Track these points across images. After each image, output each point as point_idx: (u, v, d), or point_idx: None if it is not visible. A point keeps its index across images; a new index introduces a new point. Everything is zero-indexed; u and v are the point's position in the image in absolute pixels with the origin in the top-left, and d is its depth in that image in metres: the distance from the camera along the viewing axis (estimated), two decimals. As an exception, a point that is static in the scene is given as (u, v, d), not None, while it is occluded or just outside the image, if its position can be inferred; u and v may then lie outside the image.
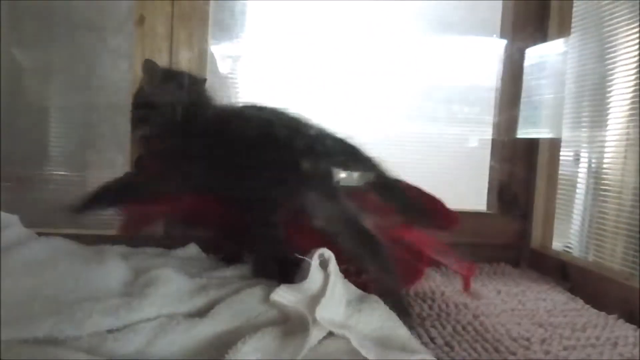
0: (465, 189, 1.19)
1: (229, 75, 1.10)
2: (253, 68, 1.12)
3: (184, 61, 1.03)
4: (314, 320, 0.50)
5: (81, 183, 1.07)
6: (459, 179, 1.19)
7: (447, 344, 0.65)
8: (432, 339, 0.66)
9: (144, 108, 0.74)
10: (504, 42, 1.13)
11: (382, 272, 0.68)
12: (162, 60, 1.02)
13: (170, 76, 0.77)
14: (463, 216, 1.12)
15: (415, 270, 0.85)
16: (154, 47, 1.02)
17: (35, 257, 0.60)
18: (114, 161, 1.06)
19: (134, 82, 1.02)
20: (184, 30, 1.03)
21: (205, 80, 0.83)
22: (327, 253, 0.57)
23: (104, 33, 1.05)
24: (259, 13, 1.11)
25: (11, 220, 0.70)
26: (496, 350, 0.64)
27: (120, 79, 1.05)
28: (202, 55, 1.04)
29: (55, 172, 1.07)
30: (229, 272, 0.67)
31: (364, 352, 0.50)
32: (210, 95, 0.80)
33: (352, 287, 0.63)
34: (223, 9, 1.07)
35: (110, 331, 0.51)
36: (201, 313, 0.54)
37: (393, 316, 0.61)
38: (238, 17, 1.09)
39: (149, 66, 0.77)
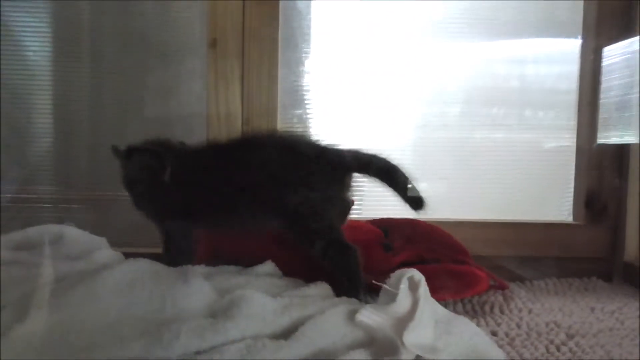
0: (546, 199, 1.13)
1: (299, 89, 1.10)
2: (320, 83, 1.12)
3: (255, 79, 1.05)
4: (403, 344, 0.49)
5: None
6: (539, 189, 1.13)
7: (542, 367, 0.61)
8: (525, 361, 0.63)
9: (130, 189, 0.78)
10: (579, 42, 1.07)
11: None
12: (234, 80, 1.04)
13: (133, 151, 0.78)
14: (547, 228, 1.07)
15: (473, 277, 0.82)
16: (227, 68, 1.04)
17: (123, 279, 0.61)
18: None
19: (208, 101, 1.05)
20: (255, 51, 1.04)
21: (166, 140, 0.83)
22: (417, 276, 0.55)
23: (179, 56, 1.09)
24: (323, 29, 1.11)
25: (100, 242, 0.73)
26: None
27: (197, 99, 1.08)
28: (273, 74, 1.05)
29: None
30: (310, 290, 0.66)
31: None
32: (178, 143, 0.82)
33: (440, 308, 0.61)
34: (292, 29, 1.09)
35: (197, 352, 0.52)
36: (285, 334, 0.53)
37: (485, 337, 0.58)
38: (305, 35, 1.10)
39: (114, 151, 0.79)
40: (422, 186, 0.74)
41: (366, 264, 0.75)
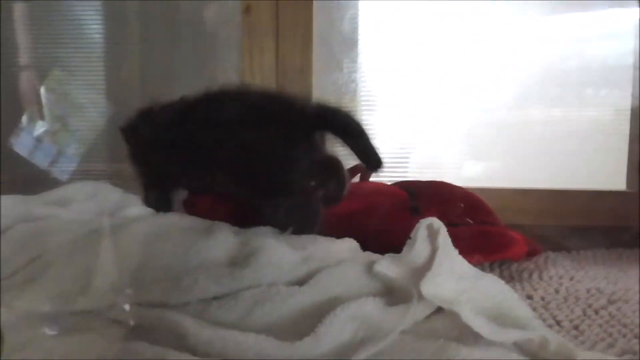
0: (598, 166, 1.07)
1: (334, 57, 1.09)
2: (358, 51, 1.10)
3: (290, 46, 1.04)
4: (419, 294, 0.47)
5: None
6: (591, 157, 1.07)
7: (575, 327, 0.58)
8: (557, 322, 0.59)
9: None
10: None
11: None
12: (268, 47, 1.04)
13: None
14: (599, 196, 1.01)
15: (508, 239, 0.78)
16: (262, 35, 1.04)
17: (150, 231, 0.63)
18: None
19: (243, 70, 1.05)
20: (289, 17, 1.03)
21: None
22: (437, 224, 0.53)
23: (214, 25, 1.10)
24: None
25: (133, 199, 0.75)
26: (636, 336, 0.55)
27: (231, 68, 1.09)
28: (307, 39, 1.04)
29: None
30: (336, 246, 0.65)
31: (475, 327, 0.46)
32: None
33: (467, 265, 0.58)
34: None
35: (215, 298, 0.52)
36: (301, 283, 0.53)
37: (513, 295, 0.55)
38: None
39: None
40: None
41: (391, 228, 0.73)
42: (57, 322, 0.52)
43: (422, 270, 0.50)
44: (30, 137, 0.95)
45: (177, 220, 0.69)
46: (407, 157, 1.12)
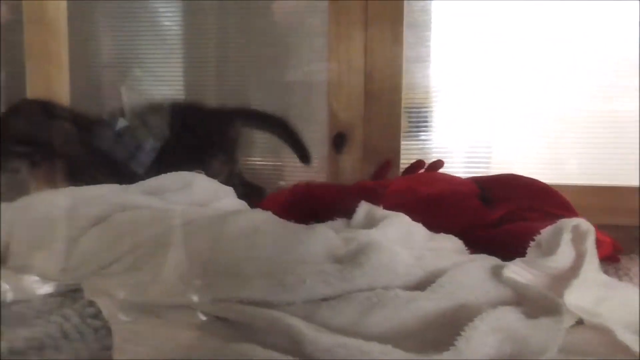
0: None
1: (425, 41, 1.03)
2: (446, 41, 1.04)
3: (378, 32, 0.99)
4: (563, 304, 0.41)
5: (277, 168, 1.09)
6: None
7: None
8: None
9: None
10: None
11: None
12: (356, 36, 0.99)
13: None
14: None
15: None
16: (349, 22, 0.99)
17: (248, 224, 0.60)
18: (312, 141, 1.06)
19: (329, 59, 1.01)
20: (378, 3, 0.98)
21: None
22: (585, 226, 0.47)
23: (299, 12, 1.06)
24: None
25: (227, 191, 0.73)
26: None
27: (317, 57, 1.05)
28: (397, 26, 0.99)
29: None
30: (440, 243, 0.60)
31: (629, 343, 0.39)
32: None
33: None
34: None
35: (323, 299, 0.48)
36: (419, 287, 0.48)
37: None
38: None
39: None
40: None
41: (459, 217, 0.70)
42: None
43: (563, 277, 0.44)
44: (112, 132, 0.98)
45: (271, 216, 0.66)
46: (488, 155, 1.05)
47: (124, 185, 0.72)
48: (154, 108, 0.90)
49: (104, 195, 0.68)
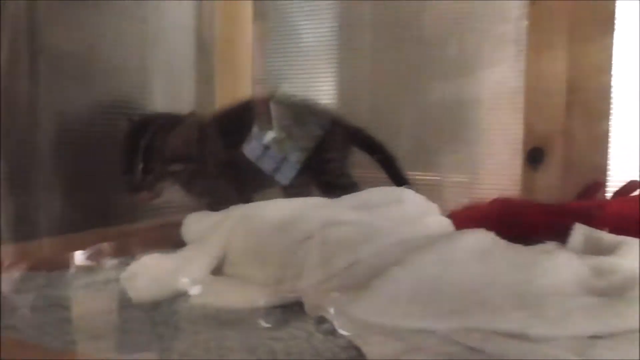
0: None
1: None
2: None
3: (585, 39, 0.90)
4: None
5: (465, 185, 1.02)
6: None
7: None
8: None
9: None
10: None
11: None
12: (558, 41, 0.91)
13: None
14: None
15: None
16: (552, 27, 0.91)
17: (476, 246, 0.56)
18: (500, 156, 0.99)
19: (527, 68, 0.94)
20: (586, 6, 0.89)
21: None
22: None
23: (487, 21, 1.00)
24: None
25: (433, 208, 0.70)
26: None
27: (508, 67, 0.98)
28: (607, 31, 0.89)
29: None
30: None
31: None
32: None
33: None
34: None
35: (592, 337, 0.42)
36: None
37: None
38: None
39: None
40: None
41: None
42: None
43: None
44: (260, 145, 1.01)
45: (492, 237, 0.61)
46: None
47: (330, 200, 0.72)
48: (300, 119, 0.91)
49: (314, 208, 0.68)
